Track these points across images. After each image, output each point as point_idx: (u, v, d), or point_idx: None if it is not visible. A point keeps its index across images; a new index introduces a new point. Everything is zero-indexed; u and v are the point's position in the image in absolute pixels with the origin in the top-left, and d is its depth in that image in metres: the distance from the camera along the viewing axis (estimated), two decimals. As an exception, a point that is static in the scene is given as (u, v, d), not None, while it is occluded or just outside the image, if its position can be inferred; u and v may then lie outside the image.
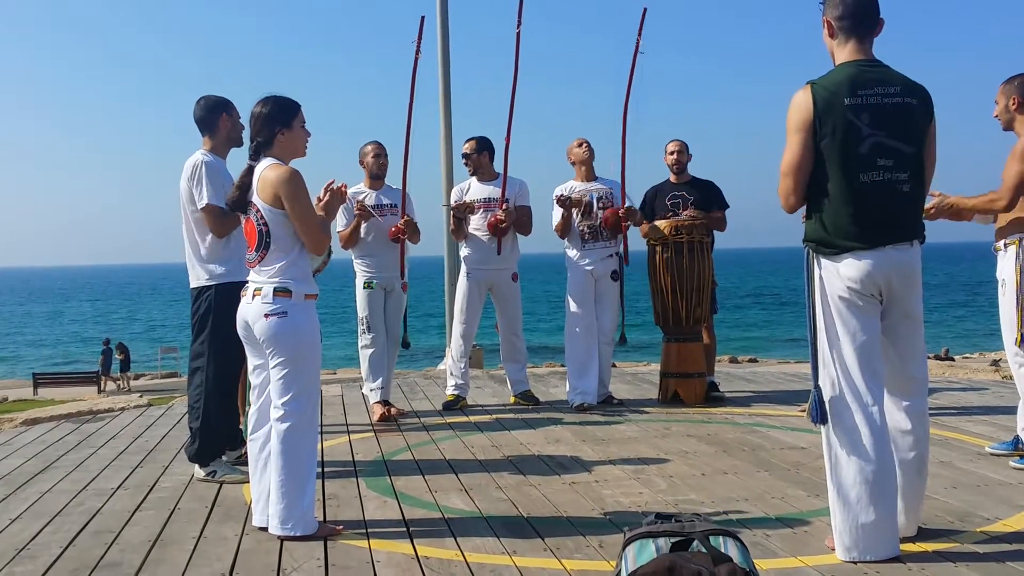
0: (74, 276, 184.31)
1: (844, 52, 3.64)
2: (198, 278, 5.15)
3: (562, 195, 7.15)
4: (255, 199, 4.03)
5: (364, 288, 6.89)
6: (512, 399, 7.47)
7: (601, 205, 7.15)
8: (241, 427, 5.57)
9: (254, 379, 4.23)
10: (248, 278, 4.16)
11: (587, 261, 7.18)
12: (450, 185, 9.83)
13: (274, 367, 4.02)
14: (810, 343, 3.67)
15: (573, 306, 7.23)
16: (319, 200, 4.22)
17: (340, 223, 6.84)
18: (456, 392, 7.36)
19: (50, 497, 4.85)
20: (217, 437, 5.17)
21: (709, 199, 7.33)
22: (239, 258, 5.07)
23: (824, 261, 3.61)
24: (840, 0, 3.62)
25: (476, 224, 7.20)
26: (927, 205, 4.85)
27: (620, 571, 2.59)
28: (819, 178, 3.57)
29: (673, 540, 2.61)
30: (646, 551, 2.57)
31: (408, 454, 5.70)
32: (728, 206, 7.43)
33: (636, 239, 7.42)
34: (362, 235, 6.81)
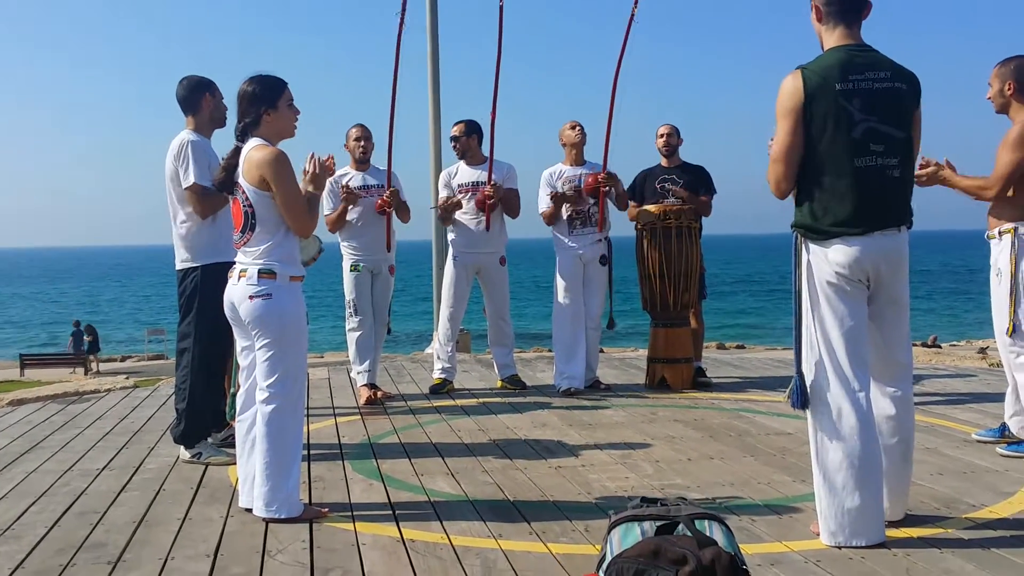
0: (59, 257, 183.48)
1: (833, 37, 3.63)
2: (184, 259, 5.12)
3: (556, 192, 7.11)
4: (241, 180, 3.99)
5: (351, 271, 6.87)
6: (499, 383, 7.46)
7: (590, 191, 7.13)
8: (225, 408, 5.56)
9: (242, 360, 4.21)
10: (235, 259, 4.13)
11: (576, 246, 7.17)
12: (438, 170, 9.79)
13: (259, 349, 4.00)
14: (794, 328, 3.67)
15: (561, 291, 7.22)
16: (305, 173, 4.17)
17: (326, 207, 6.81)
18: (443, 376, 7.35)
19: (35, 477, 4.83)
20: (203, 419, 5.15)
21: (698, 184, 7.32)
22: (225, 239, 5.04)
23: (812, 246, 3.60)
24: None
25: (464, 207, 7.17)
26: (919, 171, 4.83)
27: (605, 554, 2.59)
28: (809, 164, 3.56)
29: (658, 524, 2.60)
30: (631, 534, 2.57)
31: (394, 437, 5.69)
32: (715, 191, 7.43)
33: (620, 226, 7.42)
34: (350, 218, 6.78)
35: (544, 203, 7.22)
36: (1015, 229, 4.84)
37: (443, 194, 7.27)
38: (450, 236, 7.37)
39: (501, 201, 7.11)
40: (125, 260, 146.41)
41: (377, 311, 6.97)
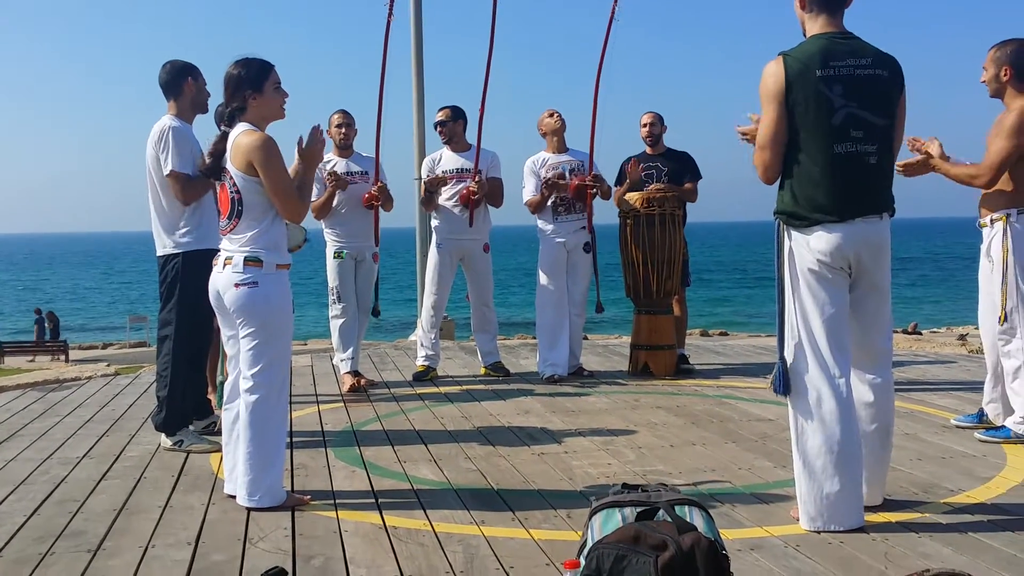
0: (39, 243, 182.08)
1: (816, 24, 3.63)
2: (164, 246, 5.09)
3: (547, 180, 7.09)
4: (228, 166, 3.95)
5: (334, 258, 6.85)
6: (482, 370, 7.46)
7: (573, 176, 7.12)
8: (210, 396, 5.54)
9: (229, 350, 4.17)
10: (220, 246, 4.08)
11: (559, 233, 7.16)
12: (422, 155, 9.76)
13: (244, 337, 3.96)
14: (777, 315, 3.68)
15: (544, 278, 7.21)
16: (300, 144, 4.13)
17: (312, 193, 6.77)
18: (426, 363, 7.34)
19: (15, 465, 4.80)
20: (184, 406, 5.13)
21: (682, 170, 7.33)
22: (206, 226, 5.01)
23: (794, 234, 3.61)
24: None
25: (447, 195, 7.16)
26: (912, 160, 4.84)
27: (586, 540, 2.60)
28: (791, 151, 3.57)
29: (639, 510, 2.61)
30: (612, 520, 2.58)
31: (377, 424, 5.68)
32: (700, 177, 7.43)
33: (604, 213, 7.42)
34: (334, 204, 6.76)
35: (529, 192, 7.21)
36: (1007, 217, 4.83)
37: (424, 186, 7.25)
38: (434, 223, 7.35)
39: (485, 194, 7.10)
40: (106, 247, 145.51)
41: (360, 298, 6.95)
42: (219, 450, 4.73)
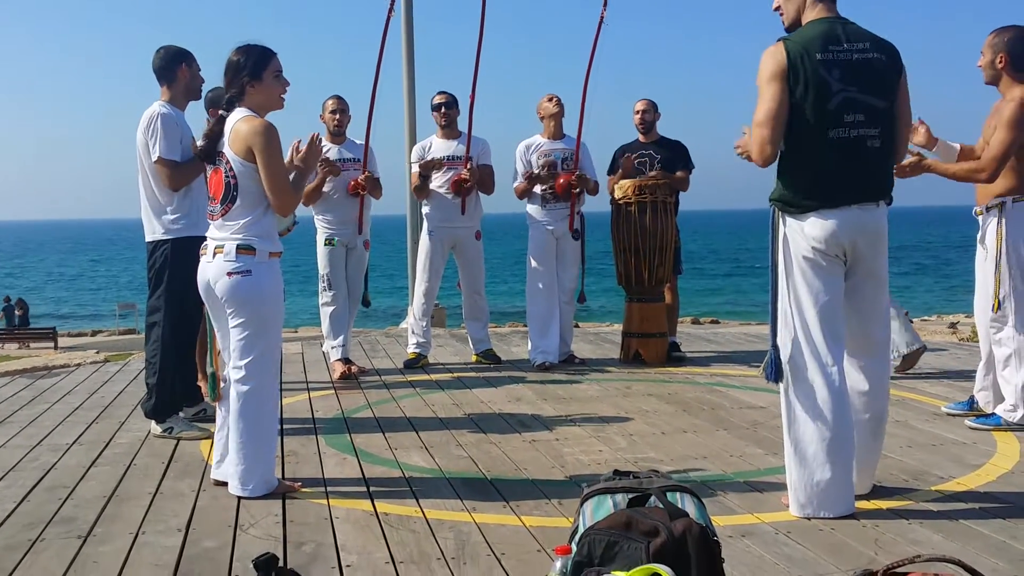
0: (28, 230, 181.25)
1: (813, 11, 3.62)
2: (154, 232, 5.06)
3: (531, 172, 7.07)
4: (226, 150, 3.89)
5: (325, 245, 6.83)
6: (474, 357, 7.46)
7: (566, 167, 7.11)
8: (200, 384, 5.51)
9: (221, 343, 4.10)
10: (207, 234, 4.02)
11: (548, 220, 7.15)
12: (412, 142, 9.73)
13: (235, 327, 3.91)
14: (771, 302, 3.68)
15: (534, 265, 7.21)
16: (295, 151, 4.10)
17: (300, 179, 6.75)
18: (418, 350, 7.34)
19: (4, 452, 4.78)
20: (174, 393, 5.12)
21: (675, 159, 7.31)
22: (196, 212, 4.98)
23: (789, 220, 3.60)
24: None
25: (439, 182, 7.14)
26: (904, 161, 4.76)
27: (578, 527, 2.59)
28: (788, 136, 3.55)
29: (630, 496, 2.60)
30: (603, 507, 2.57)
31: (368, 412, 5.67)
32: (693, 167, 7.41)
33: (596, 200, 7.41)
34: (324, 190, 6.74)
35: (518, 178, 7.19)
36: (1003, 205, 4.83)
37: (416, 168, 7.23)
38: (425, 210, 7.33)
39: (476, 181, 7.08)
40: (94, 234, 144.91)
41: (351, 286, 6.94)
42: (209, 437, 4.73)
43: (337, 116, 6.82)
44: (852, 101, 3.50)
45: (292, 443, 4.88)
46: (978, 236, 4.98)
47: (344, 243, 6.84)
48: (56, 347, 24.40)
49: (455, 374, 6.95)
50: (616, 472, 2.82)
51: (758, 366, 3.76)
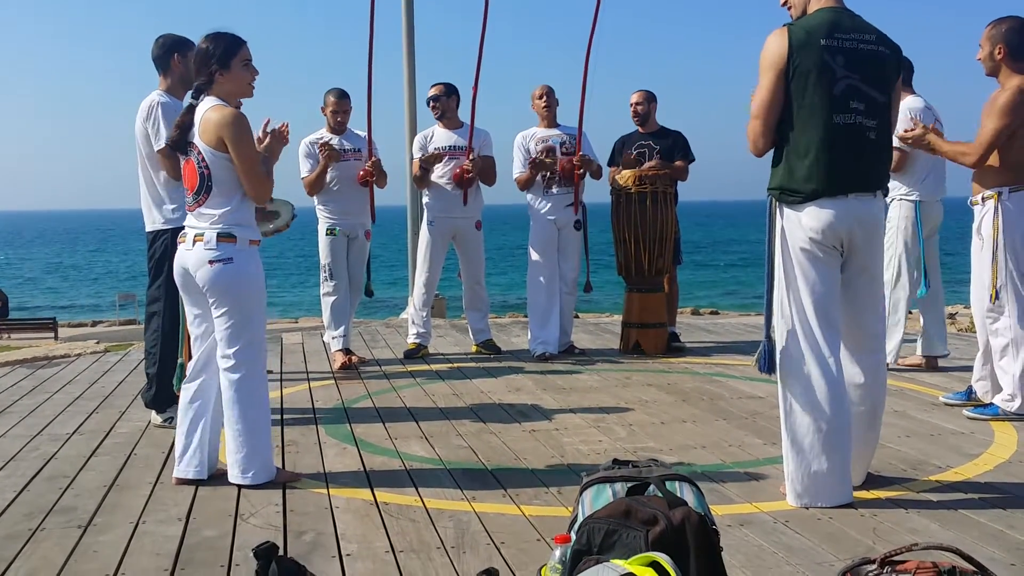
0: (27, 221, 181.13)
1: (820, 1, 3.61)
2: (154, 221, 5.06)
3: (534, 159, 7.07)
4: (197, 140, 3.86)
5: (327, 235, 6.83)
6: (474, 348, 7.47)
7: (564, 151, 7.11)
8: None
9: (194, 329, 4.08)
10: (185, 223, 3.99)
11: (549, 209, 7.14)
12: (413, 133, 9.71)
13: (220, 316, 3.89)
14: (766, 293, 3.69)
15: (535, 255, 7.21)
16: (259, 141, 4.08)
17: (304, 170, 6.76)
18: (418, 340, 7.35)
19: (4, 442, 4.79)
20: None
21: (675, 149, 7.31)
22: None
23: (787, 210, 3.60)
24: None
25: (440, 173, 7.14)
26: (906, 132, 4.86)
27: (577, 516, 2.60)
28: (788, 123, 3.54)
29: (629, 485, 2.61)
30: (603, 496, 2.58)
31: (368, 402, 5.69)
32: (693, 158, 7.41)
33: (596, 191, 7.41)
34: (327, 181, 6.74)
35: (518, 168, 7.19)
36: (999, 195, 4.82)
37: (417, 160, 7.22)
38: (425, 200, 7.33)
39: (478, 172, 7.08)
40: (93, 223, 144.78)
41: (352, 276, 6.94)
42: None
43: (338, 117, 6.82)
44: (855, 89, 3.50)
45: (292, 433, 4.89)
46: (974, 226, 4.98)
47: (345, 233, 6.84)
48: (56, 337, 24.41)
49: (455, 364, 6.95)
50: (615, 461, 2.83)
51: (755, 356, 3.77)
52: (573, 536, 2.51)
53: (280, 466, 4.16)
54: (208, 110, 3.85)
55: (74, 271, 59.95)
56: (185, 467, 4.02)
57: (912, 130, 4.98)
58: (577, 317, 8.99)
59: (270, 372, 6.62)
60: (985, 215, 4.89)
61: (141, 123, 5.00)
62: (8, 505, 3.76)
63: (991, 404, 5.01)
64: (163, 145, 4.90)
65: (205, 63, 3.90)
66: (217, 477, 4.04)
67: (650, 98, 7.39)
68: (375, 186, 6.84)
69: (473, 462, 4.33)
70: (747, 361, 6.82)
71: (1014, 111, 4.67)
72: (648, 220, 7.06)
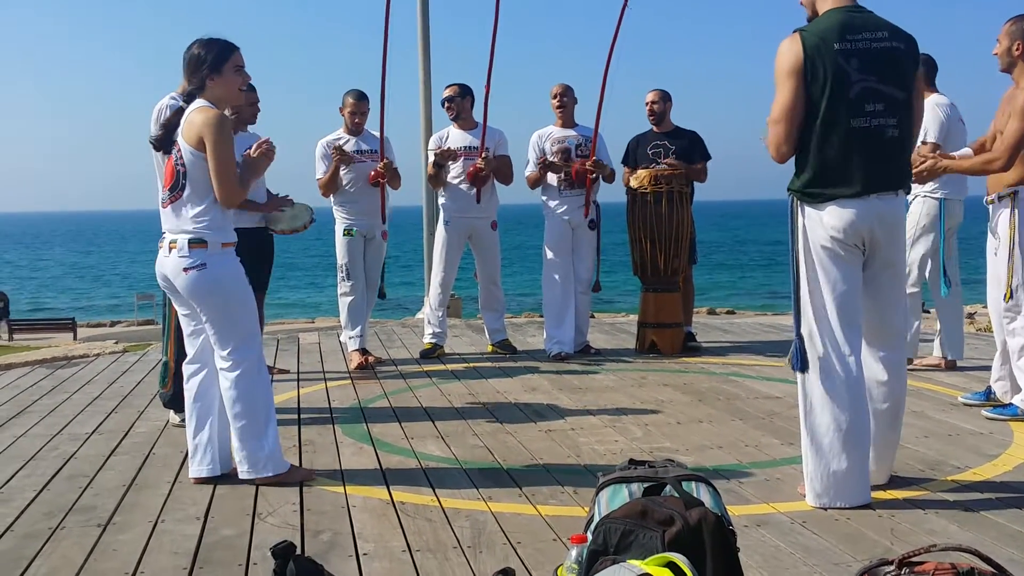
0: (46, 222, 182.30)
1: (829, 1, 3.60)
2: None
3: (545, 159, 7.07)
4: (179, 139, 3.89)
5: (344, 235, 6.86)
6: (489, 348, 7.47)
7: (579, 153, 7.10)
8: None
9: (186, 327, 4.10)
10: (163, 226, 4.01)
11: (564, 209, 7.14)
12: (428, 134, 9.74)
13: (207, 320, 3.93)
14: (793, 292, 3.67)
15: (550, 255, 7.21)
16: (247, 154, 4.10)
17: (319, 171, 6.79)
18: (433, 340, 7.36)
19: (24, 442, 4.83)
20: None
21: (691, 149, 7.29)
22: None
23: (808, 210, 3.59)
24: None
25: (455, 173, 7.15)
26: (918, 168, 4.66)
27: (593, 516, 2.60)
28: (807, 126, 3.53)
29: (646, 485, 2.61)
30: (619, 496, 2.58)
31: (385, 401, 5.70)
32: (710, 157, 7.38)
33: (612, 191, 7.40)
34: (343, 182, 6.76)
35: (531, 167, 7.19)
36: (1015, 193, 4.79)
37: (432, 157, 7.24)
38: (441, 201, 7.35)
39: (493, 170, 7.08)
40: (110, 225, 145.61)
41: (369, 276, 6.96)
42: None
43: (356, 119, 6.84)
44: (871, 91, 3.48)
45: (309, 432, 4.91)
46: (989, 225, 4.95)
47: (363, 233, 6.86)
48: (75, 337, 24.57)
49: (471, 364, 6.96)
50: (632, 461, 2.83)
51: (774, 356, 3.77)
52: (589, 536, 2.51)
53: (298, 464, 4.18)
54: (193, 111, 3.88)
55: (93, 271, 60.32)
56: (198, 466, 4.05)
57: (923, 162, 4.81)
58: (593, 317, 8.99)
59: (287, 372, 6.68)
60: (1001, 214, 4.86)
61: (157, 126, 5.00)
62: (28, 504, 3.79)
63: (1010, 404, 4.98)
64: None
65: (197, 68, 3.92)
66: (234, 475, 4.05)
67: (666, 97, 7.38)
68: (390, 188, 6.86)
69: (489, 462, 4.34)
70: (764, 361, 6.81)
71: None
72: (664, 220, 7.05)
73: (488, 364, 6.95)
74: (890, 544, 3.18)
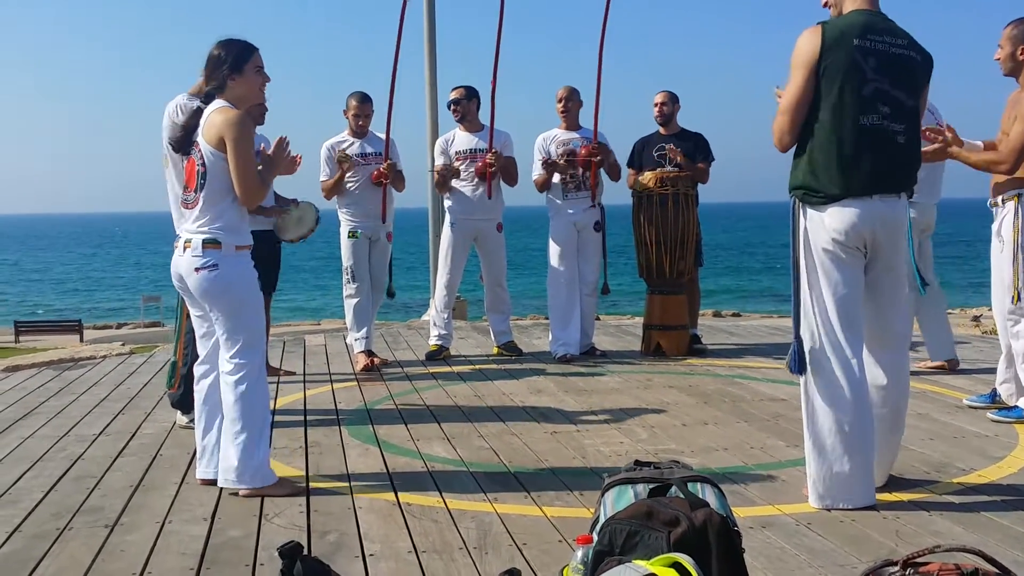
0: (53, 224, 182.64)
1: (855, 2, 3.61)
2: None
3: (548, 158, 7.09)
4: (199, 139, 3.88)
5: (349, 238, 6.87)
6: (495, 350, 7.48)
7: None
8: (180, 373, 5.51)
9: (198, 329, 4.11)
10: (179, 228, 4.02)
11: (570, 211, 7.16)
12: (435, 136, 9.76)
13: (216, 321, 3.93)
14: (793, 294, 3.68)
15: (555, 257, 7.22)
16: (263, 151, 4.11)
17: (323, 174, 6.82)
18: (439, 342, 7.37)
19: (32, 443, 4.85)
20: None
21: (695, 151, 7.30)
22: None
23: (810, 211, 3.59)
24: None
25: (462, 175, 7.16)
26: (929, 147, 4.64)
27: (599, 517, 2.61)
28: (814, 121, 3.54)
29: (651, 486, 2.62)
30: (624, 497, 2.59)
31: (391, 403, 5.71)
32: (713, 159, 7.40)
33: (617, 193, 7.41)
34: (347, 185, 6.78)
35: (537, 170, 7.21)
36: (1019, 196, 4.78)
37: (440, 161, 7.26)
38: (447, 203, 7.36)
39: (500, 170, 7.10)
40: (114, 227, 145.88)
41: (374, 278, 6.98)
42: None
43: (360, 121, 6.86)
44: (883, 92, 3.49)
45: (315, 434, 4.93)
46: (993, 228, 4.95)
47: (367, 235, 6.88)
48: (82, 339, 24.64)
49: (477, 366, 6.97)
50: (637, 462, 2.84)
51: (780, 359, 3.77)
52: (595, 537, 2.52)
53: (304, 466, 4.20)
54: (213, 111, 3.88)
55: (97, 274, 60.44)
56: (205, 467, 4.05)
57: (932, 146, 4.83)
58: (599, 319, 9.01)
59: (293, 373, 6.70)
60: (1005, 217, 4.86)
61: (171, 125, 4.99)
62: (36, 505, 3.81)
63: (1015, 407, 4.98)
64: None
65: (217, 68, 3.93)
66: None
67: (674, 99, 7.40)
68: (393, 189, 6.88)
69: (495, 463, 4.35)
70: (769, 363, 6.81)
71: None
72: (669, 222, 7.06)
73: (494, 366, 6.96)
74: (895, 546, 3.19)
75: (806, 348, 3.61)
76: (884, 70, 3.49)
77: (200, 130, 3.91)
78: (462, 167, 7.13)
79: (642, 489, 2.63)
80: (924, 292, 5.95)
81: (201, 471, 4.07)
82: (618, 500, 2.61)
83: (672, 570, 2.19)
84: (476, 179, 7.09)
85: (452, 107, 7.22)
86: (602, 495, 2.70)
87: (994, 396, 5.22)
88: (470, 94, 7.21)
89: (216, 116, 3.85)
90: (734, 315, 19.36)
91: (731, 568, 2.40)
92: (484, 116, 7.15)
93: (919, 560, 2.36)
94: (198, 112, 3.98)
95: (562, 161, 7.07)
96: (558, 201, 7.19)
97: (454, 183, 7.16)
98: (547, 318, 7.86)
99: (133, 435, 4.99)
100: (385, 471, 4.24)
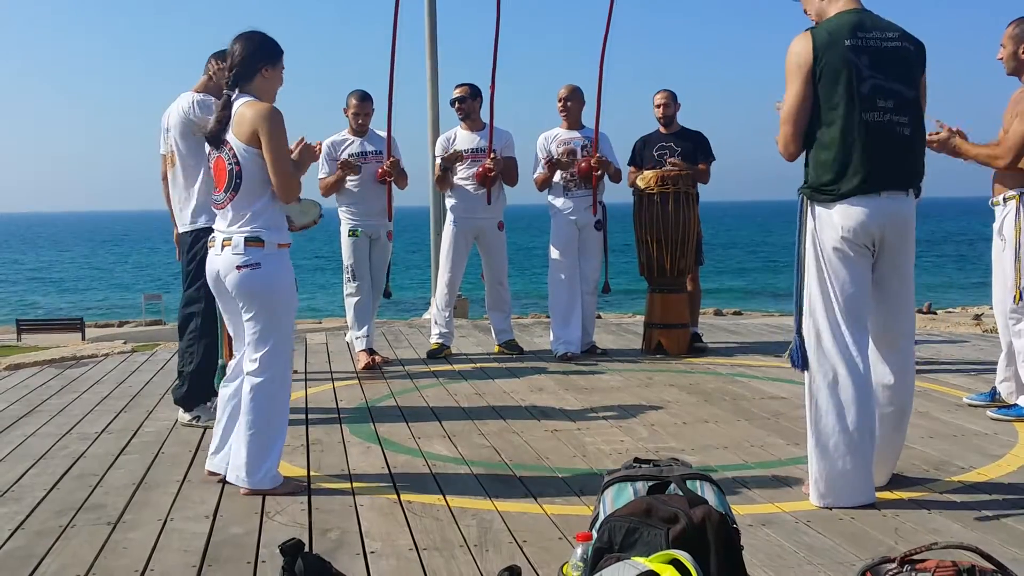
0: (55, 222, 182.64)
1: (838, 3, 3.62)
2: (194, 222, 5.05)
3: (550, 158, 7.10)
4: (229, 136, 3.82)
5: (349, 236, 6.88)
6: (496, 348, 7.49)
7: (585, 154, 7.12)
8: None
9: (232, 330, 4.08)
10: (215, 226, 3.95)
11: (571, 210, 7.17)
12: (436, 134, 9.76)
13: (248, 320, 3.86)
14: (795, 290, 3.68)
15: (556, 255, 7.23)
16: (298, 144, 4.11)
17: (322, 171, 6.81)
18: (440, 341, 7.38)
19: (34, 441, 4.87)
20: (207, 383, 5.15)
21: (696, 150, 7.31)
22: None
23: (818, 209, 3.59)
24: None
25: (462, 174, 7.17)
26: (934, 136, 4.64)
27: (598, 514, 2.62)
28: (817, 124, 3.55)
29: (651, 483, 2.63)
30: (624, 494, 2.60)
31: (392, 401, 5.73)
32: (714, 158, 7.41)
33: (618, 192, 7.42)
34: (347, 184, 6.79)
35: (538, 168, 7.22)
36: (1021, 195, 4.79)
37: (439, 160, 7.26)
38: (449, 201, 7.37)
39: (500, 172, 7.11)
40: (116, 226, 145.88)
41: (375, 276, 6.99)
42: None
43: (360, 119, 6.86)
44: (881, 88, 3.50)
45: (317, 432, 4.94)
46: (995, 227, 4.96)
47: (368, 234, 6.89)
48: (84, 337, 24.63)
49: (478, 364, 6.99)
50: (637, 460, 2.85)
51: (780, 356, 3.78)
52: (594, 534, 2.53)
53: (306, 464, 4.21)
54: (243, 105, 3.81)
55: (100, 272, 60.45)
56: (220, 462, 4.03)
57: (937, 134, 4.86)
58: (599, 318, 9.02)
59: (295, 372, 6.70)
60: (1007, 216, 4.86)
61: (183, 121, 4.99)
62: (39, 503, 3.82)
63: (1015, 405, 4.99)
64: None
65: (254, 57, 3.87)
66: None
67: (674, 98, 7.40)
68: (395, 186, 6.88)
69: (496, 461, 4.36)
70: (770, 362, 6.82)
71: None
72: (670, 221, 7.07)
73: (495, 364, 6.97)
74: (894, 543, 3.20)
75: (811, 346, 3.61)
76: (879, 65, 3.50)
77: (230, 126, 3.84)
78: (463, 166, 7.14)
79: (641, 486, 2.64)
80: None
81: (213, 463, 4.07)
82: (617, 497, 2.62)
83: (671, 567, 2.20)
84: (478, 183, 7.09)
85: (457, 105, 7.22)
86: (602, 492, 2.71)
87: (994, 394, 5.23)
88: (474, 92, 7.22)
89: (247, 110, 3.79)
90: (735, 313, 19.40)
91: (729, 565, 2.41)
92: (485, 114, 7.16)
93: (917, 557, 2.38)
94: (228, 103, 3.87)
95: (564, 159, 7.08)
96: (559, 200, 7.20)
97: (456, 180, 7.17)
98: (548, 316, 7.87)
99: (135, 433, 5.01)
100: (386, 469, 4.26)
